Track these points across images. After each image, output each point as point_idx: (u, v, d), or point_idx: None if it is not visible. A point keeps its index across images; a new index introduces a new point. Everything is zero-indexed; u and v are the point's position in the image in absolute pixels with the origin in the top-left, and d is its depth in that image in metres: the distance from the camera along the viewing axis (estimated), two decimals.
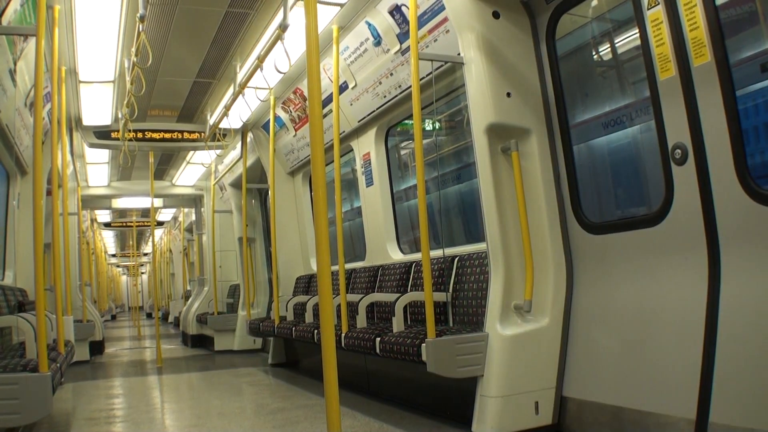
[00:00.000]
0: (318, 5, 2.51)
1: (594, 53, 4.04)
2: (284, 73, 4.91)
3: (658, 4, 2.82)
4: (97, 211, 14.36)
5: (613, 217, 3.74)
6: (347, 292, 5.18)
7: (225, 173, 8.85)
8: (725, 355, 2.55)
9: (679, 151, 2.78)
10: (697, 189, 2.73)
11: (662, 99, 2.86)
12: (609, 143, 3.81)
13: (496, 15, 3.51)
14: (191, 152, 8.74)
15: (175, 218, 15.97)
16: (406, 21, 4.21)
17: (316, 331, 4.89)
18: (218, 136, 6.88)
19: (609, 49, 3.93)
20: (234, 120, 6.55)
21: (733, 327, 2.56)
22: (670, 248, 2.90)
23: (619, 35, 3.72)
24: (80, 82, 5.78)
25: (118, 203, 11.63)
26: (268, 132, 6.53)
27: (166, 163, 9.67)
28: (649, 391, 2.88)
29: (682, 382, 2.71)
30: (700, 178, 2.71)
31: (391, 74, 4.67)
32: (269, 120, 6.33)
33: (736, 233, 2.61)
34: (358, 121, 5.40)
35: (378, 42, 4.59)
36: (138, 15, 3.97)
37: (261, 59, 4.75)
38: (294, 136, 6.58)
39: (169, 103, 6.95)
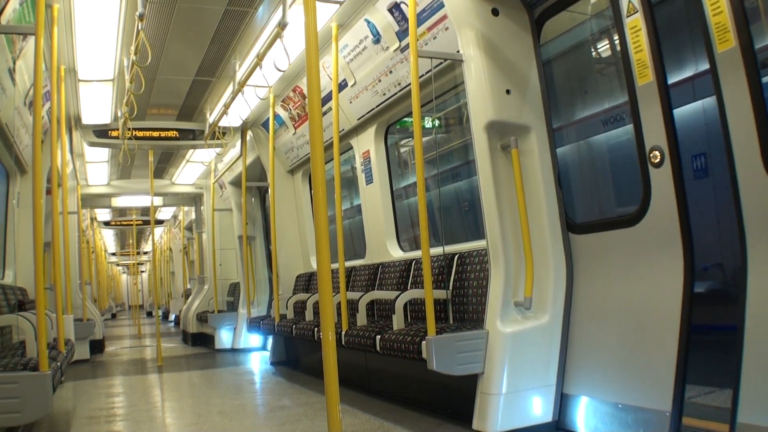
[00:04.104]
0: (317, 3, 2.51)
1: (580, 57, 4.11)
2: (283, 71, 4.91)
3: (637, 11, 2.89)
4: (96, 210, 14.36)
5: (596, 217, 3.78)
6: (347, 290, 5.18)
7: (225, 171, 8.85)
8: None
9: (656, 153, 2.86)
10: (673, 190, 2.81)
11: (640, 103, 2.94)
12: (592, 145, 3.86)
13: (495, 12, 3.51)
14: (191, 151, 8.74)
15: (174, 217, 15.97)
16: (405, 18, 4.20)
17: (316, 329, 4.89)
18: (218, 135, 6.87)
19: (594, 53, 4.00)
20: (233, 118, 6.54)
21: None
22: (648, 247, 2.99)
23: (603, 40, 3.77)
24: (79, 80, 5.77)
25: (118, 202, 11.63)
26: (268, 130, 6.53)
27: (165, 162, 9.66)
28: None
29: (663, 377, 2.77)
30: (676, 179, 2.80)
31: (391, 72, 4.67)
32: (269, 118, 6.32)
33: None
34: (358, 119, 5.39)
35: (377, 40, 4.58)
36: (137, 13, 3.96)
37: (260, 57, 4.74)
38: (293, 134, 6.58)
39: (169, 101, 6.94)
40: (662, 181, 2.86)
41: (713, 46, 2.50)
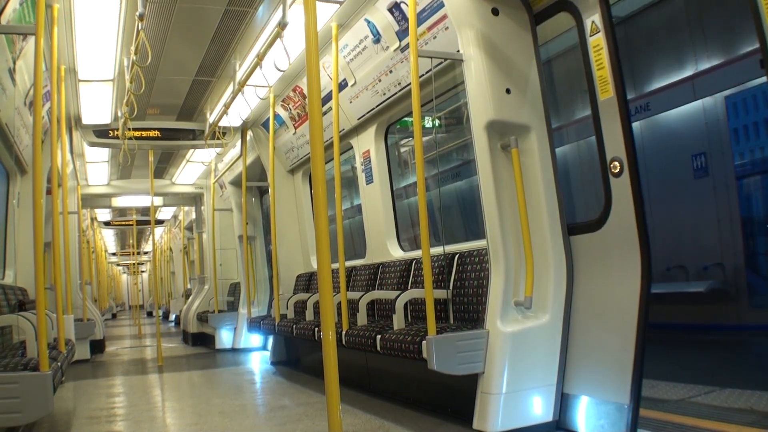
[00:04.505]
0: (317, 3, 2.51)
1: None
2: (284, 71, 4.90)
3: (599, 31, 3.06)
4: (97, 210, 14.35)
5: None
6: (348, 290, 5.18)
7: (225, 171, 8.85)
8: None
9: (616, 164, 3.05)
10: (631, 198, 2.99)
11: (602, 117, 3.10)
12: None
13: (495, 12, 3.51)
14: (191, 151, 8.74)
15: (175, 217, 15.97)
16: (405, 18, 4.20)
17: (316, 328, 4.89)
18: (218, 135, 6.87)
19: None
20: (234, 118, 6.54)
21: None
22: (609, 251, 3.17)
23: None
24: (80, 80, 5.77)
25: (118, 202, 11.62)
26: (268, 130, 6.52)
27: (165, 162, 9.66)
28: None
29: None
30: (634, 188, 2.98)
31: (391, 71, 4.67)
32: (269, 118, 6.32)
33: None
34: (358, 119, 5.39)
35: (377, 39, 4.58)
36: (137, 13, 3.96)
37: (260, 57, 4.74)
38: (294, 134, 6.58)
39: (169, 101, 6.94)
40: (621, 189, 3.04)
41: (763, 22, 2.34)
